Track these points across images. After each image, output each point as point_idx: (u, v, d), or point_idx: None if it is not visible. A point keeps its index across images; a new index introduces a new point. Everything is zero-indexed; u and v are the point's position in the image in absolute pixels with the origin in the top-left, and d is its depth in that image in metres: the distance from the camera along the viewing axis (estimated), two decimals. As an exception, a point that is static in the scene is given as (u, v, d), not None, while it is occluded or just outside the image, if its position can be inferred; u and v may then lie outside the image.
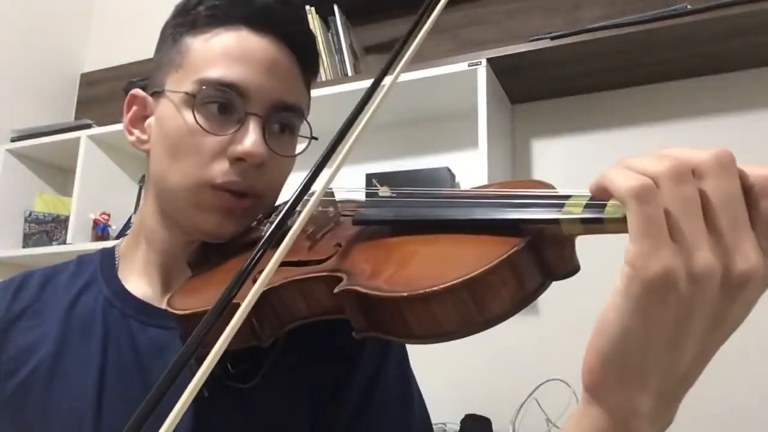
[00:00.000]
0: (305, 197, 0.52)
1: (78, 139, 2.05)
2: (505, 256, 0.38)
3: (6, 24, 2.29)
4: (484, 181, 1.45)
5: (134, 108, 0.70)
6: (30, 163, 2.24)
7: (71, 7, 2.57)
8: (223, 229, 0.62)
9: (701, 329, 0.34)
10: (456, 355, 1.61)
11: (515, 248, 0.39)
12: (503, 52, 1.54)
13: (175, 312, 0.55)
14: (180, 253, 0.66)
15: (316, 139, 0.68)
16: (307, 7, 1.85)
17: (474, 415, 1.55)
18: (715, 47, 1.47)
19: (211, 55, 0.62)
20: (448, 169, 1.68)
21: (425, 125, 1.84)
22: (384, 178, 1.69)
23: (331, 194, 0.60)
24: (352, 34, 1.92)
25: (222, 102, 0.62)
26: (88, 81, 2.50)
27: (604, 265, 1.72)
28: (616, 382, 0.36)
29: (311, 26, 1.83)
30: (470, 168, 1.72)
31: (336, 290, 0.45)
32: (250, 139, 0.60)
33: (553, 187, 0.45)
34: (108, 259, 0.72)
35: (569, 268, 0.42)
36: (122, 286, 0.68)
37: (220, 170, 0.61)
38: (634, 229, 0.32)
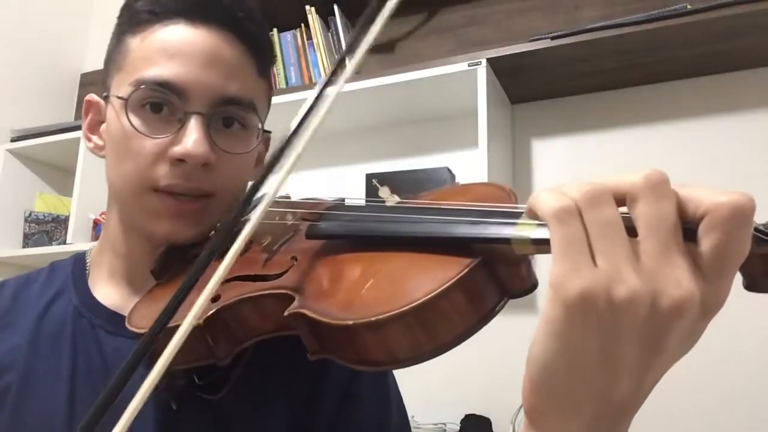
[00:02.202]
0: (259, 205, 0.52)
1: (78, 139, 2.05)
2: (453, 280, 0.37)
3: (6, 24, 2.29)
4: (484, 181, 1.45)
5: (90, 114, 0.68)
6: (30, 163, 2.24)
7: (71, 7, 2.57)
8: (178, 234, 0.60)
9: (634, 356, 0.32)
10: (456, 355, 1.61)
11: (464, 270, 0.37)
12: (503, 52, 1.54)
13: (134, 331, 0.54)
14: (145, 260, 0.64)
15: (269, 132, 0.66)
16: (307, 7, 1.85)
17: (474, 415, 1.55)
18: (715, 47, 1.47)
19: (148, 54, 0.60)
20: (448, 169, 1.68)
21: (425, 125, 1.84)
22: (384, 178, 1.69)
23: (290, 200, 0.59)
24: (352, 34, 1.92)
25: (158, 102, 0.59)
26: (88, 81, 2.50)
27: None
28: (548, 408, 0.35)
29: (313, 25, 1.84)
30: (470, 168, 1.72)
31: (286, 313, 0.44)
32: (190, 138, 0.58)
33: (512, 194, 0.44)
34: (79, 266, 0.71)
35: (527, 285, 0.40)
36: (91, 295, 0.67)
37: (162, 173, 0.59)
38: (555, 249, 0.32)
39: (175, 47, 0.59)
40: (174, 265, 0.62)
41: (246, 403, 0.60)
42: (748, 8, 1.33)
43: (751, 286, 0.34)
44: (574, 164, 1.69)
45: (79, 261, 0.71)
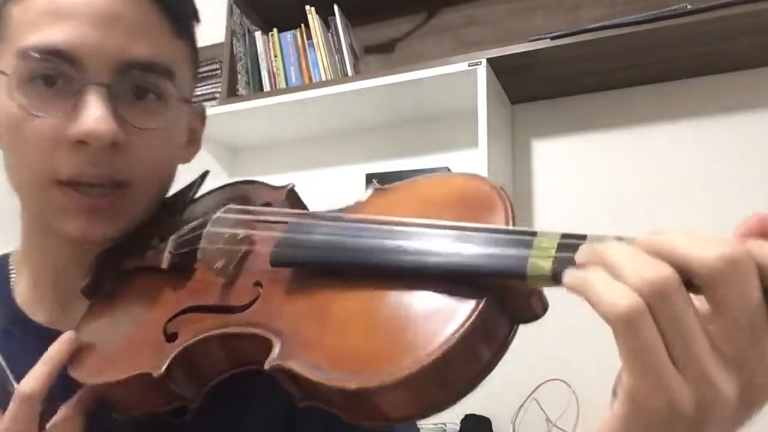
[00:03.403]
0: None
1: (78, 139, 2.05)
2: (464, 329, 0.33)
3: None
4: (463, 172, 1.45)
5: None
6: None
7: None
8: (91, 234, 0.51)
9: None
10: (456, 355, 1.61)
11: (474, 315, 0.33)
12: (503, 52, 1.54)
13: (86, 383, 0.47)
14: (71, 266, 0.55)
15: (191, 102, 0.56)
16: (307, 7, 1.85)
17: (474, 415, 1.55)
18: (715, 47, 1.47)
19: (32, 18, 0.49)
20: (448, 169, 1.68)
21: (425, 125, 1.84)
22: (384, 178, 1.68)
23: (243, 208, 0.50)
24: (352, 34, 1.92)
25: (49, 74, 0.49)
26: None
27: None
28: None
29: (313, 25, 1.84)
30: (470, 168, 1.72)
31: (267, 366, 0.38)
32: (90, 114, 0.47)
33: (496, 191, 0.40)
34: (1, 271, 0.61)
35: (539, 312, 0.38)
36: (19, 311, 0.57)
37: (63, 162, 0.49)
38: (630, 359, 0.28)
39: (64, 7, 0.49)
40: (105, 283, 0.53)
41: (214, 425, 0.53)
42: (748, 8, 1.33)
43: None
44: (574, 164, 1.69)
45: (1, 267, 0.62)
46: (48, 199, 0.51)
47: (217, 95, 1.93)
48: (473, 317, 0.33)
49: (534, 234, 0.34)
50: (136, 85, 0.51)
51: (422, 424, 1.55)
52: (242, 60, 1.93)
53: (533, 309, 0.37)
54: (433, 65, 1.61)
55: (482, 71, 1.54)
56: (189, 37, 0.58)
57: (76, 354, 0.48)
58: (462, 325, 0.33)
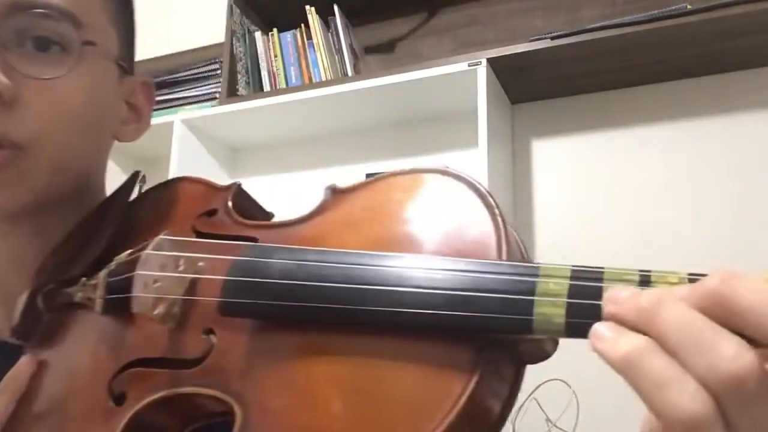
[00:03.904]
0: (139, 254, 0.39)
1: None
2: (459, 406, 0.28)
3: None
4: (484, 182, 1.45)
5: None
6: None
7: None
8: None
9: None
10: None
11: (471, 385, 0.28)
12: (503, 52, 1.54)
13: None
14: (7, 261, 0.50)
15: (92, 44, 0.47)
16: (307, 7, 1.85)
17: (474, 415, 1.55)
18: (715, 47, 1.47)
19: None
20: (448, 169, 1.68)
21: (425, 125, 1.84)
22: (384, 178, 1.69)
23: (176, 239, 0.42)
24: (352, 34, 1.92)
25: None
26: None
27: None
28: None
29: (313, 25, 1.84)
30: (470, 168, 1.72)
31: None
32: None
33: (474, 188, 0.34)
34: None
35: (550, 351, 0.33)
36: None
37: None
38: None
39: None
40: (37, 320, 0.45)
41: None
42: (748, 8, 1.33)
43: None
44: (574, 164, 1.69)
45: None
46: None
47: (217, 95, 1.93)
48: (470, 389, 0.28)
49: (536, 271, 0.28)
50: (32, 32, 0.45)
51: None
52: (242, 60, 1.93)
53: (545, 350, 0.32)
54: (433, 65, 1.61)
55: (482, 71, 1.54)
56: None
57: (24, 421, 0.42)
58: (457, 400, 0.28)
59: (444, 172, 0.36)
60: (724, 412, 0.22)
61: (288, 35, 1.91)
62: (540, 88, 1.69)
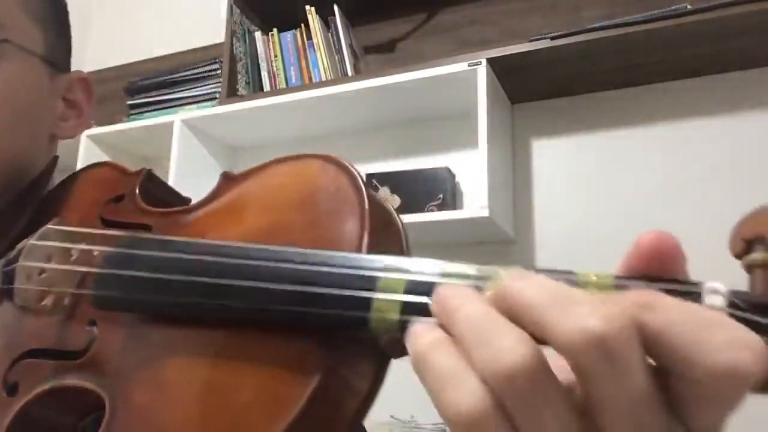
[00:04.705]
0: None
1: (78, 138, 2.05)
2: (305, 399, 0.27)
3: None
4: (484, 182, 1.45)
5: None
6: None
7: (71, 7, 2.57)
8: None
9: None
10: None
11: (316, 380, 0.27)
12: (503, 52, 1.54)
13: None
14: None
15: (7, 41, 0.49)
16: (307, 7, 1.85)
17: (474, 415, 1.55)
18: (715, 47, 1.47)
19: None
20: (448, 169, 1.68)
21: (425, 125, 1.84)
22: (384, 178, 1.69)
23: (61, 229, 0.42)
24: (352, 34, 1.92)
25: None
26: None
27: (604, 265, 1.72)
28: None
29: (313, 25, 1.84)
30: (470, 168, 1.72)
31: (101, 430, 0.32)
32: None
33: (354, 181, 0.34)
34: None
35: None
36: None
37: None
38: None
39: None
40: None
41: None
42: (748, 8, 1.33)
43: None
44: (574, 164, 1.69)
45: None
46: None
47: (217, 95, 1.93)
48: (313, 385, 0.27)
49: (381, 267, 0.28)
50: None
51: (422, 424, 1.55)
52: (242, 60, 1.93)
53: (399, 344, 0.29)
54: (433, 65, 1.61)
55: (482, 71, 1.54)
56: None
57: None
58: (301, 397, 0.27)
59: (326, 159, 0.36)
60: (505, 410, 0.21)
61: (288, 35, 1.91)
62: (540, 88, 1.69)
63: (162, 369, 0.33)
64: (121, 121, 2.08)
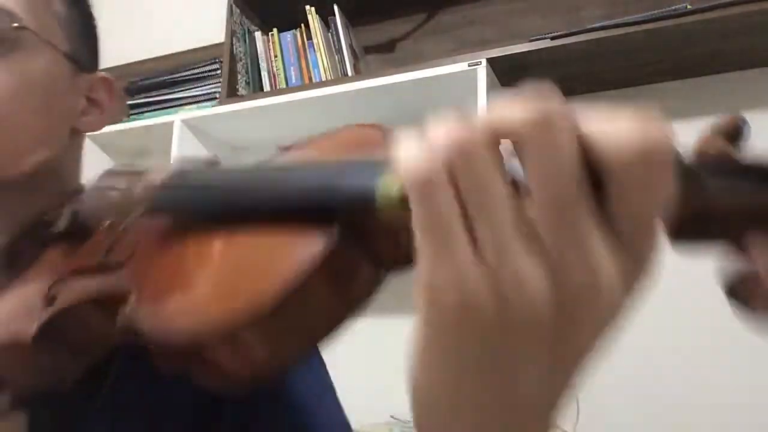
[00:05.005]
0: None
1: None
2: (301, 273, 0.29)
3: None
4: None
5: None
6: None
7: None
8: None
9: (539, 362, 0.24)
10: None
11: (318, 254, 0.29)
12: (503, 52, 1.54)
13: None
14: None
15: (26, 29, 0.51)
16: (307, 7, 1.85)
17: (474, 415, 1.55)
18: (715, 47, 1.47)
19: None
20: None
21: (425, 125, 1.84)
22: (384, 178, 1.69)
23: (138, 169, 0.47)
24: (352, 34, 1.92)
25: None
26: (88, 81, 2.50)
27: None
28: (435, 423, 0.27)
29: (313, 25, 1.84)
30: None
31: (118, 324, 0.36)
32: None
33: (388, 134, 0.35)
34: None
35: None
36: None
37: None
38: (421, 235, 0.23)
39: None
40: (23, 261, 0.50)
41: (137, 402, 0.50)
42: (748, 8, 1.33)
43: (675, 236, 0.26)
44: (574, 164, 1.69)
45: None
46: None
47: (217, 95, 1.93)
48: (316, 257, 0.29)
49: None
50: None
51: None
52: (242, 60, 1.93)
53: (404, 250, 0.29)
54: (433, 65, 1.61)
55: (482, 71, 1.54)
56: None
57: None
58: (306, 264, 0.29)
59: (372, 124, 0.39)
60: (452, 174, 0.23)
61: (288, 35, 1.91)
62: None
63: (180, 252, 0.37)
64: (121, 121, 2.08)
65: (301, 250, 0.30)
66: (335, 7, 1.85)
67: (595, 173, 0.23)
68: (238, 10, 1.95)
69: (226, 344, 0.30)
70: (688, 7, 1.40)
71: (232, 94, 1.87)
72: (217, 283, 0.33)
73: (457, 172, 0.23)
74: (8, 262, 0.49)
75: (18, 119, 0.49)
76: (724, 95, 1.57)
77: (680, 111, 1.61)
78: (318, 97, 1.72)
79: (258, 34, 1.95)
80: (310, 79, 1.85)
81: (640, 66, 1.56)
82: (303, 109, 1.78)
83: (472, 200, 0.23)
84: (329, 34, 1.88)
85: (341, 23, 1.85)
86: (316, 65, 1.85)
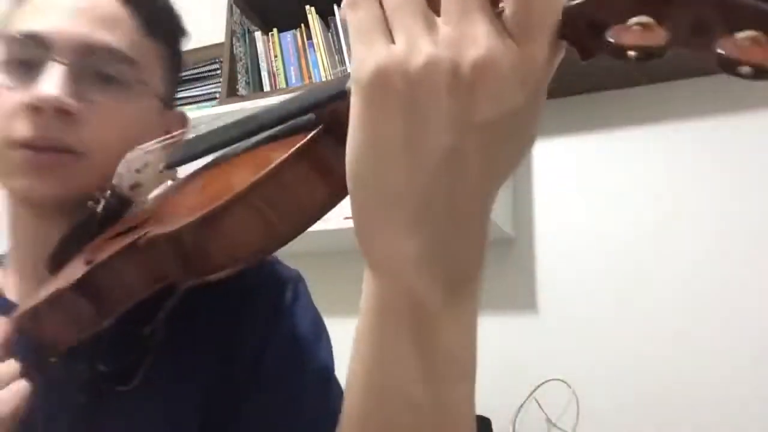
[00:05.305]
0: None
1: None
2: (291, 152, 0.36)
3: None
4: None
5: None
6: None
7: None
8: (34, 190, 0.56)
9: (447, 137, 0.29)
10: (456, 355, 1.61)
11: (303, 141, 0.36)
12: (503, 52, 1.54)
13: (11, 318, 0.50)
14: (34, 244, 0.59)
15: (144, 83, 0.60)
16: (307, 7, 1.85)
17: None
18: (715, 47, 1.47)
19: (26, 13, 0.59)
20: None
21: (425, 125, 1.84)
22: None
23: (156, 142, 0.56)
24: (352, 34, 1.92)
25: (25, 57, 0.56)
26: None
27: (604, 264, 1.72)
28: (372, 220, 0.32)
29: (313, 25, 1.84)
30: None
31: (138, 243, 0.42)
32: (43, 83, 0.54)
33: None
34: None
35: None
36: (2, 296, 0.63)
37: (20, 125, 0.55)
38: (351, 36, 0.30)
39: (46, 2, 0.58)
40: (69, 259, 0.56)
41: (158, 392, 0.56)
42: (748, 8, 1.33)
43: (583, 53, 0.32)
44: (575, 164, 1.69)
45: None
46: (6, 158, 0.56)
47: (217, 95, 1.93)
48: (302, 143, 0.36)
49: None
50: (101, 71, 0.57)
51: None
52: (242, 60, 1.93)
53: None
54: (433, 65, 1.60)
55: (482, 71, 1.54)
56: (164, 40, 0.63)
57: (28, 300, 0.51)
58: (290, 151, 0.36)
59: None
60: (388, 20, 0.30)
61: (288, 35, 1.91)
62: (540, 88, 1.69)
63: (190, 187, 0.47)
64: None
65: (289, 146, 0.37)
66: (335, 7, 1.85)
67: None
68: (238, 10, 1.95)
69: (244, 209, 0.37)
70: None
71: (232, 94, 1.87)
72: (220, 185, 0.41)
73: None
74: (57, 264, 0.55)
75: (114, 152, 0.56)
76: (724, 95, 1.57)
77: (680, 111, 1.61)
78: (318, 97, 1.72)
79: (258, 34, 1.95)
80: (310, 79, 1.85)
81: (640, 66, 1.56)
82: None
83: (390, 6, 0.30)
84: (329, 34, 1.88)
85: (341, 23, 1.85)
86: (316, 65, 1.85)
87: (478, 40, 0.28)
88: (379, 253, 0.32)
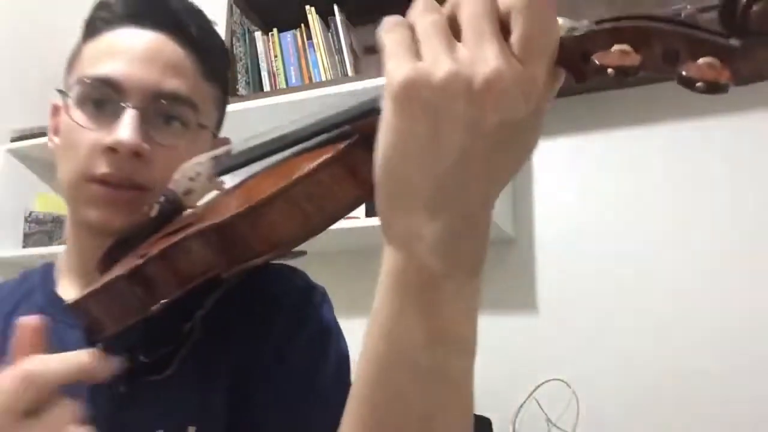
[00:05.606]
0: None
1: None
2: (331, 154, 0.41)
3: (6, 24, 2.29)
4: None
5: (54, 117, 0.72)
6: (30, 163, 2.24)
7: (72, 7, 2.57)
8: (108, 222, 0.62)
9: (461, 140, 0.35)
10: (456, 355, 1.61)
11: (339, 149, 0.41)
12: (503, 52, 1.54)
13: (67, 304, 0.54)
14: (95, 256, 0.63)
15: (205, 127, 0.68)
16: (307, 7, 1.85)
17: (474, 415, 1.55)
18: (715, 47, 1.47)
19: (95, 54, 0.65)
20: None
21: (425, 125, 1.84)
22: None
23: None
24: (352, 34, 1.92)
25: (99, 98, 0.63)
26: (88, 81, 2.50)
27: (604, 265, 1.72)
28: (394, 206, 0.38)
29: (313, 25, 1.84)
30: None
31: (189, 234, 0.46)
32: (121, 128, 0.61)
33: None
34: (48, 269, 0.75)
35: None
36: (55, 293, 0.70)
37: (98, 163, 0.62)
38: (385, 55, 0.36)
39: (119, 46, 0.64)
40: (120, 258, 0.61)
41: (190, 381, 0.61)
42: (748, 8, 1.33)
43: (577, 77, 0.37)
44: (575, 164, 1.69)
45: (48, 265, 0.76)
46: (83, 191, 0.63)
47: (217, 95, 1.93)
48: (338, 151, 0.41)
49: None
50: (165, 112, 0.64)
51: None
52: (242, 60, 1.94)
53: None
54: (433, 65, 1.61)
55: (482, 71, 1.54)
56: (219, 82, 0.71)
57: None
58: (331, 154, 0.41)
59: None
60: (412, 23, 0.37)
61: (288, 35, 1.91)
62: (540, 88, 1.69)
63: (235, 191, 0.52)
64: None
65: (331, 150, 0.42)
66: (335, 7, 1.85)
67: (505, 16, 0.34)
68: (238, 10, 1.95)
69: (286, 201, 0.42)
70: (688, 7, 1.40)
71: (232, 94, 1.87)
72: (265, 184, 0.45)
73: (415, 19, 0.37)
74: (106, 265, 0.60)
75: (170, 181, 0.62)
76: (723, 96, 1.57)
77: (680, 111, 1.61)
78: (318, 97, 1.72)
79: (258, 34, 1.95)
80: (310, 79, 1.85)
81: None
82: (303, 109, 1.77)
83: (420, 29, 0.35)
84: (329, 34, 1.88)
85: (341, 23, 1.85)
86: (316, 65, 1.86)
87: (489, 60, 0.33)
88: (399, 234, 0.38)
